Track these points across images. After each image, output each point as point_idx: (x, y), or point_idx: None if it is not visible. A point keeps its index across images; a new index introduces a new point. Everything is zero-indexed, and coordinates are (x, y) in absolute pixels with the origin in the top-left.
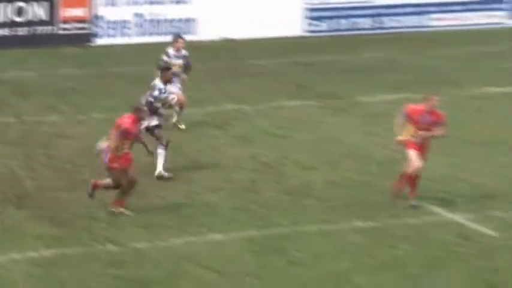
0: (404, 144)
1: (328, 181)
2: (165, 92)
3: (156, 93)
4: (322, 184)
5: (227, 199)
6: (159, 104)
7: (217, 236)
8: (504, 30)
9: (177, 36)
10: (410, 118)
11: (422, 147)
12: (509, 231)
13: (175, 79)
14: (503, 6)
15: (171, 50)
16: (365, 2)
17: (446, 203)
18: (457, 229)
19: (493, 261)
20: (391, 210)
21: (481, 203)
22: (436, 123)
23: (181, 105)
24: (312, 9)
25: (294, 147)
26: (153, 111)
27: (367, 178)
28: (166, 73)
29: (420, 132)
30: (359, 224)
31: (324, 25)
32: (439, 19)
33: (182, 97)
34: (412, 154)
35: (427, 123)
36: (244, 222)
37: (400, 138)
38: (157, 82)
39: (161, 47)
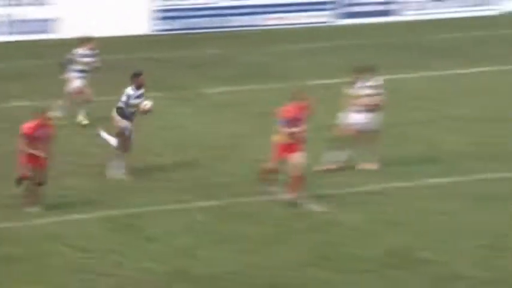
0: (278, 148)
1: (176, 165)
2: (137, 97)
3: (124, 98)
4: (171, 168)
5: (87, 182)
6: (132, 109)
7: (79, 216)
8: (329, 28)
9: (88, 37)
10: (293, 121)
11: (294, 145)
12: (338, 207)
13: (83, 76)
14: (327, 6)
15: (80, 50)
16: (208, 4)
17: (279, 182)
18: (290, 206)
19: (325, 234)
20: (232, 190)
21: (308, 182)
22: (303, 117)
23: (86, 100)
24: (161, 10)
25: (145, 134)
26: (124, 116)
27: (210, 162)
28: (138, 79)
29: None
30: (204, 203)
31: (172, 24)
32: (273, 19)
33: (88, 93)
34: (295, 156)
35: (301, 119)
36: (103, 203)
37: (278, 140)
38: (128, 89)
39: (26, 45)
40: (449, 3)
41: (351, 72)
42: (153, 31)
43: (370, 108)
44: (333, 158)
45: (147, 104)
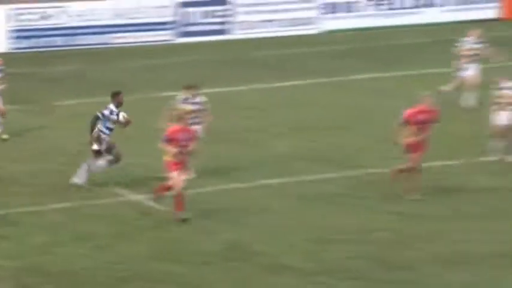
0: (167, 165)
1: (31, 171)
2: (116, 114)
3: (105, 112)
4: (26, 173)
5: None
6: (112, 125)
7: None
8: (170, 46)
9: None
10: (172, 140)
11: (183, 163)
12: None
13: None
14: (167, 26)
15: None
16: (58, 24)
17: (127, 185)
18: (137, 207)
19: (169, 232)
20: (83, 193)
21: (154, 184)
22: (192, 138)
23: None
24: (15, 30)
25: (8, 144)
26: (110, 130)
27: (62, 167)
28: (118, 96)
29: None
30: (58, 205)
31: (25, 43)
32: (120, 37)
33: (3, 108)
34: (175, 175)
35: (186, 140)
36: None
37: (166, 158)
38: (112, 106)
39: None
40: (276, 23)
41: (182, 88)
42: (9, 49)
43: (196, 122)
44: None
45: (125, 116)
